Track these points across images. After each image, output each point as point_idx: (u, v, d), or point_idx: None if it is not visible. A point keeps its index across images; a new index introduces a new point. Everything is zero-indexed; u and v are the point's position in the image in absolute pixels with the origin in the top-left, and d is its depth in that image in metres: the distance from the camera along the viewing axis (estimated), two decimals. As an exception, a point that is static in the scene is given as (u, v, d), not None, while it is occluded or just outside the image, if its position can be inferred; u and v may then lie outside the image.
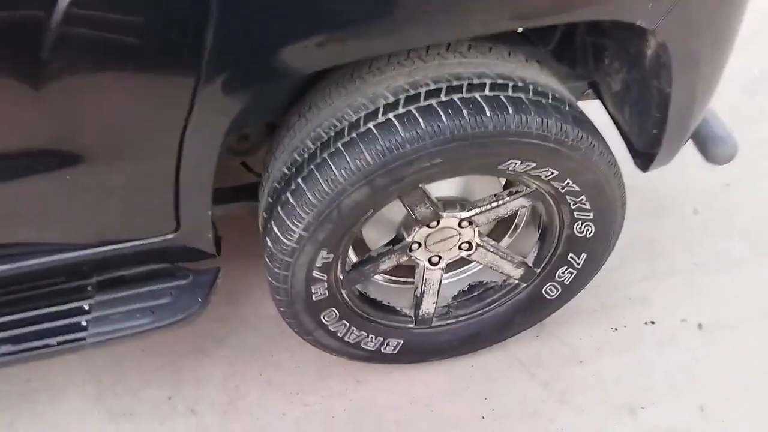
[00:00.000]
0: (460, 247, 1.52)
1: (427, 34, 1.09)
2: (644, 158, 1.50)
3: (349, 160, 1.17)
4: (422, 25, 1.07)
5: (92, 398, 1.70)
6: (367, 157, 1.16)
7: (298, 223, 1.23)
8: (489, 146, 1.19)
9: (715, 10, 1.19)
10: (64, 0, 0.91)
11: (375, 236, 1.58)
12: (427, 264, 1.53)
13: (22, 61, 0.97)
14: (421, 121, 1.15)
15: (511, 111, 1.17)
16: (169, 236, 1.25)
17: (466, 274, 1.70)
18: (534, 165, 1.25)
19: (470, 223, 1.47)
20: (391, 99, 1.20)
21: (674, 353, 1.73)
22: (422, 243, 1.48)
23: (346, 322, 1.51)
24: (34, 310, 1.37)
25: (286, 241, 1.26)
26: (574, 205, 1.38)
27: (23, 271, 1.29)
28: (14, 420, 1.65)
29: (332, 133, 1.22)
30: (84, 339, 1.35)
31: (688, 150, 1.57)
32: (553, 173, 1.28)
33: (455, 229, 1.47)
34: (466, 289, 1.68)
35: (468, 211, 1.44)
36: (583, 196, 1.35)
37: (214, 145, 1.11)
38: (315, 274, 1.34)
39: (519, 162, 1.24)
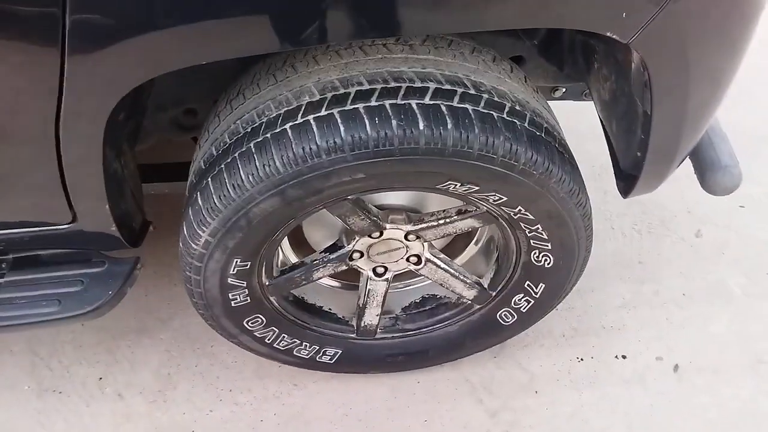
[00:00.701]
0: (408, 260, 1.37)
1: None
2: (627, 181, 1.31)
3: (257, 164, 1.02)
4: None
5: (25, 370, 1.64)
6: (278, 164, 1.00)
7: (204, 228, 1.10)
8: (420, 164, 1.01)
9: (711, 27, 0.96)
10: None
11: (318, 238, 1.44)
12: (371, 274, 1.39)
13: None
14: (341, 128, 0.98)
15: (449, 125, 0.99)
16: (66, 226, 1.13)
17: (420, 285, 1.56)
18: (477, 188, 1.07)
19: (418, 237, 1.31)
20: (317, 97, 1.03)
21: (640, 394, 1.57)
22: (364, 252, 1.33)
23: (274, 329, 1.39)
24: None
25: (193, 244, 1.13)
26: (530, 233, 1.20)
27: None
28: (-63, 386, 1.60)
29: (249, 129, 1.06)
30: (-18, 322, 1.26)
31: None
32: (501, 198, 1.10)
33: (401, 242, 1.32)
34: (418, 300, 1.54)
35: (414, 224, 1.29)
36: (538, 225, 1.17)
37: (96, 133, 0.96)
38: (230, 280, 1.21)
39: (458, 184, 1.06)
